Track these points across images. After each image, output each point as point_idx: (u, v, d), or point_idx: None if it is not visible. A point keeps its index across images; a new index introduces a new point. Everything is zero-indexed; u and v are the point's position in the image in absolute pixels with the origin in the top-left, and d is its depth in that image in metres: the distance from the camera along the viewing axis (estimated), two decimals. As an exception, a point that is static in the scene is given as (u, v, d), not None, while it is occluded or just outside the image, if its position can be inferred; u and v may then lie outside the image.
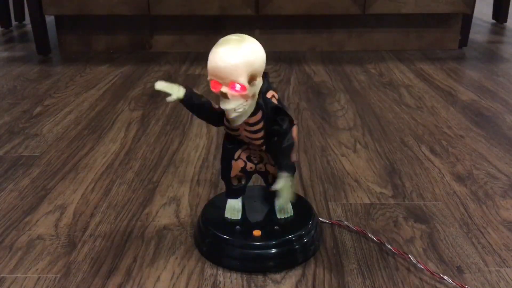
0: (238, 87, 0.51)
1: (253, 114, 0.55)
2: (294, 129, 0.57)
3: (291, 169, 0.57)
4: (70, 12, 1.58)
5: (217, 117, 0.58)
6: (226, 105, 0.53)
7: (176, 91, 0.55)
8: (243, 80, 0.51)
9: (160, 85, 0.54)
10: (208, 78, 0.53)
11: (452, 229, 0.67)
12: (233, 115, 0.53)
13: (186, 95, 0.56)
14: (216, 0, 1.55)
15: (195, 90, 0.57)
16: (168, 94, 0.55)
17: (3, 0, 2.04)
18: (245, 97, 0.52)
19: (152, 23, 1.69)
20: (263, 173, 0.62)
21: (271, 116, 0.56)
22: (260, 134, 0.57)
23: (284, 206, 0.62)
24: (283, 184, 0.57)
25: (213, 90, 0.53)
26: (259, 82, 0.54)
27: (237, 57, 0.51)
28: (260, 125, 0.56)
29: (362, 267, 0.59)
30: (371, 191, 0.77)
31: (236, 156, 0.60)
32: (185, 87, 0.56)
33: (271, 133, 0.57)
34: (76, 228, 0.68)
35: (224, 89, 0.52)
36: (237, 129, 0.57)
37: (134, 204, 0.74)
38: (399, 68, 1.49)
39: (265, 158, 0.60)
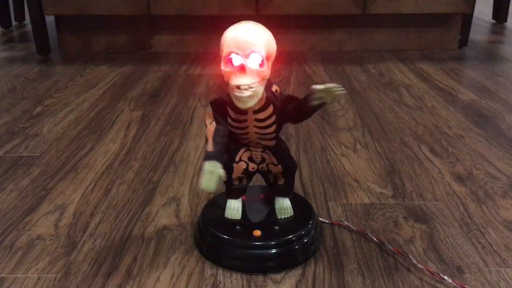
0: (259, 58, 0.52)
1: (264, 108, 0.55)
2: None
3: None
4: (70, 12, 1.58)
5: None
6: (241, 80, 0.52)
7: (217, 170, 0.53)
8: (263, 54, 0.52)
9: (210, 186, 0.52)
10: (224, 53, 0.52)
11: (452, 229, 0.67)
12: (246, 93, 0.52)
13: (222, 161, 0.54)
14: (216, 0, 1.55)
15: (213, 151, 0.54)
16: (221, 178, 0.54)
17: (3, 0, 2.04)
18: (260, 74, 0.52)
19: (152, 23, 1.69)
20: (264, 172, 0.62)
21: (284, 106, 0.56)
22: (273, 128, 0.56)
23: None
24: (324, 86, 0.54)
25: (226, 66, 0.52)
26: (270, 66, 0.54)
27: (259, 31, 0.52)
28: (272, 118, 0.56)
29: (362, 267, 0.59)
30: (371, 191, 0.77)
31: (237, 159, 0.60)
32: (210, 158, 0.53)
33: (292, 107, 0.56)
34: (76, 228, 0.68)
35: (242, 60, 0.51)
36: (245, 127, 0.56)
37: (134, 204, 0.74)
38: (399, 68, 1.49)
39: (268, 158, 0.60)
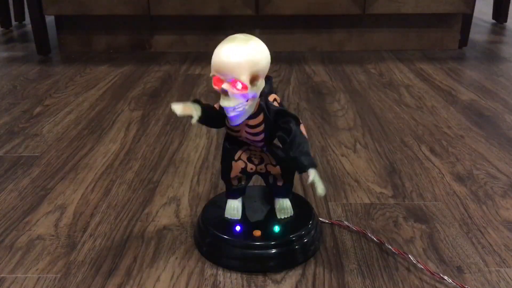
0: (239, 85, 0.51)
1: (255, 116, 0.55)
2: (302, 127, 0.56)
3: (313, 164, 0.54)
4: (70, 12, 1.59)
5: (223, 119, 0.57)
6: (225, 103, 0.52)
7: (195, 110, 0.55)
8: (245, 78, 0.51)
9: (179, 109, 0.54)
10: (211, 74, 0.53)
11: (452, 229, 0.67)
12: (232, 113, 0.53)
13: (203, 110, 0.56)
14: (216, 0, 1.55)
15: (205, 104, 0.57)
16: (190, 117, 0.55)
17: (3, 0, 2.04)
18: (245, 96, 0.52)
19: (152, 23, 1.69)
20: (263, 174, 0.62)
21: (274, 119, 0.56)
22: (261, 136, 0.57)
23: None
24: (315, 177, 0.53)
25: (215, 86, 0.53)
26: (261, 83, 0.53)
27: (241, 54, 0.51)
28: (261, 127, 0.56)
29: (362, 267, 0.59)
30: (371, 191, 0.77)
31: (236, 157, 0.60)
32: (195, 101, 0.56)
33: (280, 139, 0.56)
34: (76, 228, 0.68)
35: (225, 85, 0.51)
36: (238, 130, 0.57)
37: (134, 204, 0.74)
38: (399, 68, 1.49)
39: (266, 159, 0.60)
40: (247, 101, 0.53)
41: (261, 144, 0.58)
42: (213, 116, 0.58)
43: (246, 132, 0.57)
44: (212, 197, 0.73)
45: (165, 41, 1.71)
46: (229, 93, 0.51)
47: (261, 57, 0.52)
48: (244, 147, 0.60)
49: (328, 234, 0.66)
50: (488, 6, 2.30)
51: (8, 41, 1.89)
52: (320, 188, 0.54)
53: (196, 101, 0.56)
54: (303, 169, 0.54)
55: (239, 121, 0.55)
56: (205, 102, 0.57)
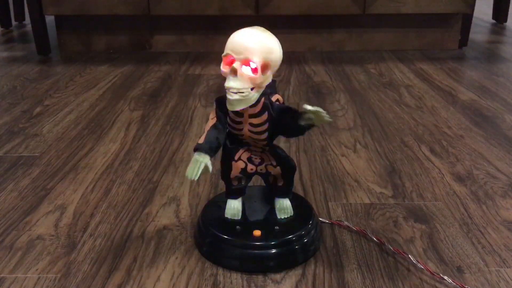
0: (253, 64, 0.52)
1: (259, 115, 0.56)
2: None
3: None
4: (70, 12, 1.59)
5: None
6: (231, 83, 0.52)
7: (204, 160, 0.55)
8: (257, 60, 0.52)
9: (193, 174, 0.56)
10: (223, 54, 0.53)
11: (452, 229, 0.67)
12: (234, 96, 0.53)
13: (211, 154, 0.56)
14: (216, 0, 1.55)
15: (203, 143, 0.56)
16: (207, 170, 0.56)
17: (3, 0, 2.04)
18: (252, 81, 0.52)
19: (152, 23, 1.69)
20: (263, 174, 0.62)
21: (278, 116, 0.56)
22: (265, 135, 0.57)
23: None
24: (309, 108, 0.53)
25: (223, 68, 0.53)
26: (269, 76, 0.54)
27: (258, 37, 0.53)
28: (265, 126, 0.56)
29: (362, 267, 0.59)
30: (371, 191, 0.77)
31: (236, 157, 0.60)
32: (199, 149, 0.56)
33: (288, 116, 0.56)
34: (76, 228, 0.68)
35: (236, 64, 0.52)
36: (241, 128, 0.57)
37: (134, 204, 0.74)
38: (399, 68, 1.49)
39: (266, 159, 0.60)
40: (252, 89, 0.53)
41: (264, 143, 0.58)
42: (222, 140, 0.58)
43: (250, 131, 0.57)
44: (212, 197, 0.73)
45: (165, 41, 1.71)
46: (238, 74, 0.52)
47: (274, 47, 0.53)
48: (245, 147, 0.60)
49: (328, 234, 0.66)
50: (488, 6, 2.30)
51: (8, 41, 1.89)
52: (316, 116, 0.53)
53: (202, 148, 0.56)
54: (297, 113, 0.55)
55: (237, 107, 0.54)
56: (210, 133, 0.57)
